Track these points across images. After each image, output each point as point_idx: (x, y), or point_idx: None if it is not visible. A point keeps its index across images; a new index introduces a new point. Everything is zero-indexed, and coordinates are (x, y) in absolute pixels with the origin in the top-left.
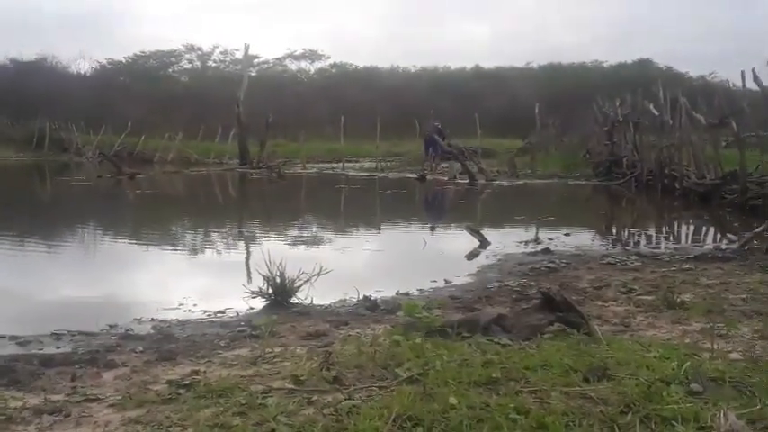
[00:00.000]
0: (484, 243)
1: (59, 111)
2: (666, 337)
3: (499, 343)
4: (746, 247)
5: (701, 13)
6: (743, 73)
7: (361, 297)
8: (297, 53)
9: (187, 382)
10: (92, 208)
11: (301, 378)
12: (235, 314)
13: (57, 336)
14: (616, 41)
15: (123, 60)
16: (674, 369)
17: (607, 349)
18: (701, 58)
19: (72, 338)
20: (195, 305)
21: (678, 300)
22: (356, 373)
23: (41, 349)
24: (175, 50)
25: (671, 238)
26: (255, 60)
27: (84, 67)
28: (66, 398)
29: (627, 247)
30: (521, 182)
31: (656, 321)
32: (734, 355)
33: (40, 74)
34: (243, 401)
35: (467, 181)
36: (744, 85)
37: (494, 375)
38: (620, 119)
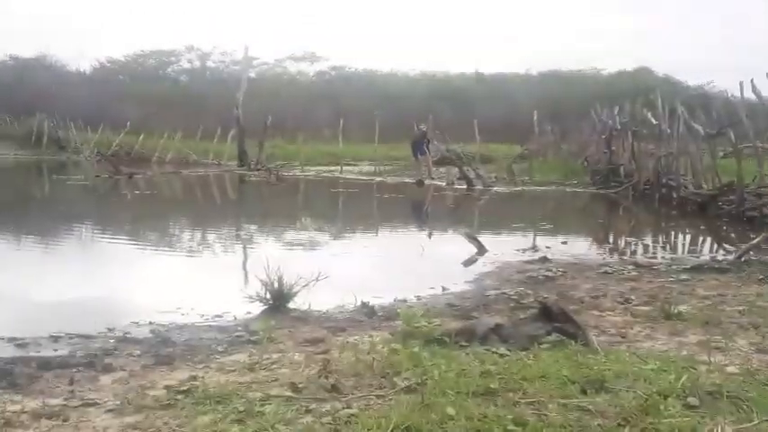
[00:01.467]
0: (481, 250)
1: (58, 109)
2: (663, 348)
3: (497, 353)
4: (743, 259)
5: (701, 24)
6: (741, 84)
7: (358, 303)
8: (297, 55)
9: (185, 388)
10: (89, 208)
11: (299, 386)
12: (232, 318)
13: (54, 338)
14: (615, 49)
15: (123, 59)
16: (671, 382)
17: (604, 361)
18: (700, 68)
19: (70, 341)
20: (193, 309)
21: (675, 311)
22: (354, 382)
23: (39, 352)
24: (175, 50)
25: (668, 247)
26: (255, 61)
27: (83, 65)
28: (65, 402)
29: (624, 257)
30: (518, 188)
31: (654, 332)
32: (731, 369)
33: (39, 71)
34: (241, 409)
35: (464, 186)
36: (742, 96)
37: (492, 386)
38: (619, 127)
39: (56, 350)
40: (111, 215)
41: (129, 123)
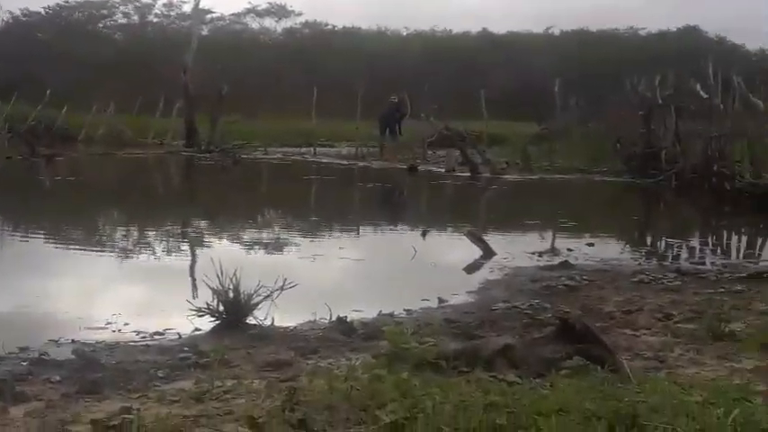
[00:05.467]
0: (488, 253)
1: None
2: (711, 376)
3: (505, 380)
4: None
5: None
6: None
7: (334, 318)
8: (260, 8)
9: (116, 423)
10: None
11: (258, 420)
12: (176, 337)
13: None
14: (657, 3)
15: (42, 12)
16: (719, 418)
17: (638, 391)
18: (762, 28)
19: None
20: (127, 324)
21: (726, 330)
22: (327, 416)
23: None
24: (108, 1)
25: (719, 251)
26: (208, 16)
27: None
28: None
29: (664, 262)
30: (535, 176)
31: (699, 356)
32: None
33: None
34: None
35: (468, 174)
36: None
37: (498, 422)
38: (660, 101)
39: None
40: (26, 207)
41: (49, 92)
